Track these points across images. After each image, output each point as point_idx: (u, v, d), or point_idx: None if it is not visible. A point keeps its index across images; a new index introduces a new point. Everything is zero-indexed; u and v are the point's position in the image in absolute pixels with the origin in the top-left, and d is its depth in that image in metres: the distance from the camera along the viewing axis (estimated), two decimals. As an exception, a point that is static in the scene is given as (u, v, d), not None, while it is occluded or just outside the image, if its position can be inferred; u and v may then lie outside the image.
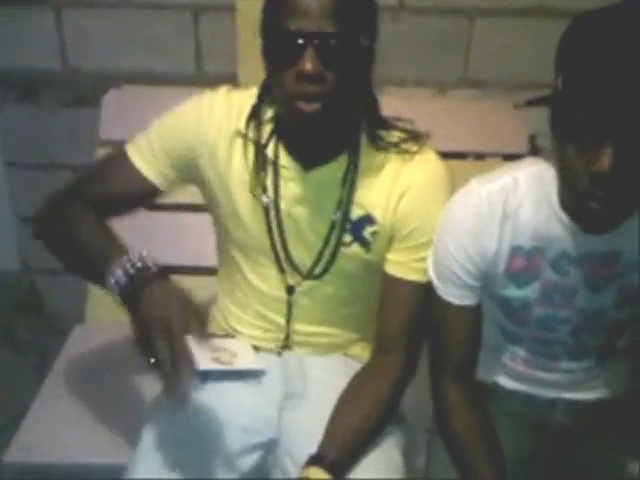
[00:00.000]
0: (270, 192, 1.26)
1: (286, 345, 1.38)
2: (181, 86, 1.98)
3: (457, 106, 1.91)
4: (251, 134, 1.24)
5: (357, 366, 1.34)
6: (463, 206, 1.18)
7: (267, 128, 1.25)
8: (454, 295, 1.19)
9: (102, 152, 1.84)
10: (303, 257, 1.29)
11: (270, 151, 1.25)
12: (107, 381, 1.61)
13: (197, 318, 1.06)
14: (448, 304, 1.20)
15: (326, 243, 1.27)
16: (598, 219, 1.05)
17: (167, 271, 1.15)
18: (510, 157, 1.83)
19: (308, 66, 1.07)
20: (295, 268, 1.30)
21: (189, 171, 1.29)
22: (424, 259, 1.23)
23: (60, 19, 1.99)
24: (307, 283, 1.31)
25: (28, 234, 2.21)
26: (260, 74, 1.87)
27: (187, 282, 1.78)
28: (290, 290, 1.32)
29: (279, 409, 1.30)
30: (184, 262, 1.82)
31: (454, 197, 1.20)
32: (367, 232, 1.26)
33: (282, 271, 1.31)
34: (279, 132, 1.25)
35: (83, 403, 1.55)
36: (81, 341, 1.77)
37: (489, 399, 1.27)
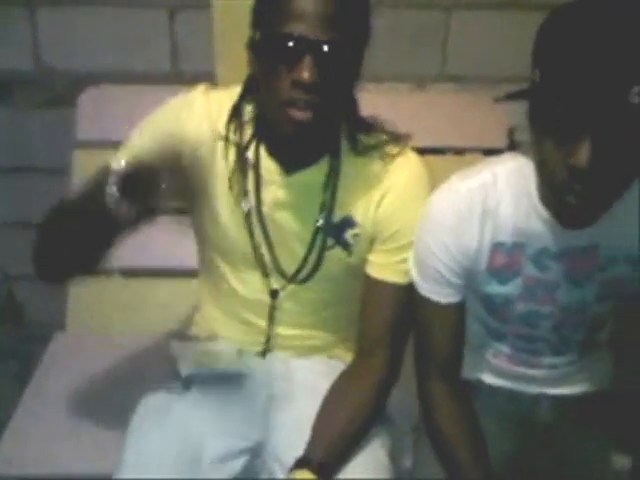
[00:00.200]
0: (252, 196, 1.24)
1: (268, 348, 1.36)
2: (157, 84, 1.96)
3: (436, 101, 1.91)
4: (232, 136, 1.22)
5: (341, 367, 1.34)
6: (443, 204, 1.17)
7: (248, 129, 1.23)
8: (437, 293, 1.19)
9: (79, 153, 1.82)
10: (287, 261, 1.28)
11: (251, 154, 1.23)
12: (89, 389, 1.60)
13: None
14: (431, 302, 1.19)
15: (310, 247, 1.26)
16: (576, 213, 1.05)
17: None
18: (490, 152, 1.83)
19: (306, 74, 1.05)
20: (279, 272, 1.29)
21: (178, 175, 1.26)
22: (405, 260, 1.22)
23: (34, 18, 1.96)
24: (291, 287, 1.30)
25: (5, 240, 2.21)
26: (238, 72, 1.85)
27: (169, 285, 1.81)
28: (274, 294, 1.31)
29: (264, 412, 1.30)
30: (165, 264, 1.81)
31: (434, 194, 1.19)
32: (348, 235, 1.25)
33: (266, 275, 1.29)
34: (260, 134, 1.23)
35: (66, 412, 1.53)
36: (62, 348, 1.75)
37: (473, 396, 1.27)
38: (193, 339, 1.39)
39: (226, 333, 1.38)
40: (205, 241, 1.34)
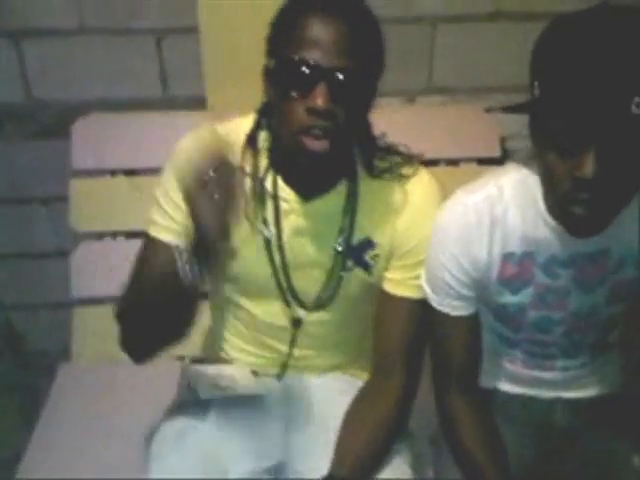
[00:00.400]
0: (272, 225, 1.24)
1: (284, 369, 1.38)
2: (149, 110, 1.97)
3: (427, 113, 1.93)
4: (247, 166, 1.22)
5: (357, 383, 1.36)
6: (450, 217, 1.19)
7: (263, 159, 1.23)
8: (449, 306, 1.21)
9: (75, 182, 1.82)
10: (307, 287, 1.29)
11: (269, 183, 1.23)
12: (101, 419, 1.60)
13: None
14: (445, 316, 1.21)
15: (331, 272, 1.27)
16: (584, 223, 1.06)
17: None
18: (484, 161, 1.86)
19: (320, 101, 1.06)
20: (299, 300, 1.29)
21: None
22: (420, 276, 1.24)
23: (21, 50, 1.95)
24: (312, 312, 1.31)
25: (2, 270, 2.20)
26: (229, 97, 1.89)
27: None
28: (296, 323, 1.32)
29: (284, 432, 1.31)
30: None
31: (441, 210, 1.21)
32: (368, 256, 1.26)
33: (287, 304, 1.30)
34: (276, 163, 1.23)
35: (79, 443, 1.53)
36: (69, 380, 1.75)
37: (490, 405, 1.29)
38: (208, 362, 1.40)
39: (242, 357, 1.39)
40: (221, 274, 1.33)
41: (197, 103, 1.96)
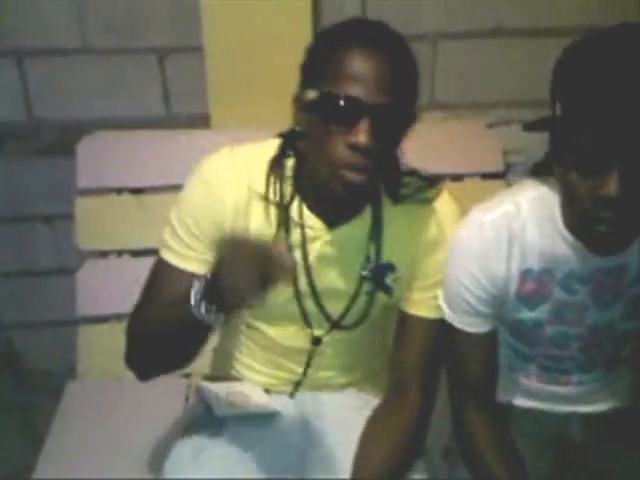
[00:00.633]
0: (297, 253, 1.23)
1: (297, 388, 1.38)
2: (152, 129, 1.97)
3: (430, 129, 1.94)
4: (272, 193, 1.20)
5: (370, 399, 1.37)
6: (467, 235, 1.19)
7: (288, 186, 1.21)
8: (468, 323, 1.21)
9: (80, 201, 1.82)
10: (330, 311, 1.29)
11: (294, 211, 1.22)
12: (109, 438, 1.59)
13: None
14: (464, 333, 1.22)
15: (354, 296, 1.27)
16: (606, 241, 1.07)
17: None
18: (487, 176, 1.88)
19: (363, 138, 1.05)
20: (322, 323, 1.29)
21: None
22: (438, 296, 1.25)
23: (23, 69, 1.96)
24: (333, 334, 1.31)
25: (2, 288, 2.19)
26: (232, 115, 1.90)
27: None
28: (316, 341, 1.32)
29: (300, 450, 1.30)
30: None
31: (458, 228, 1.21)
32: (390, 280, 1.26)
33: (309, 326, 1.30)
34: (301, 190, 1.22)
35: (88, 463, 1.52)
36: (76, 398, 1.74)
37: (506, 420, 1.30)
38: (220, 380, 1.40)
39: (255, 377, 1.39)
40: None
41: (199, 121, 1.97)
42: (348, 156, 1.07)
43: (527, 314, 1.22)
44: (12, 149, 2.05)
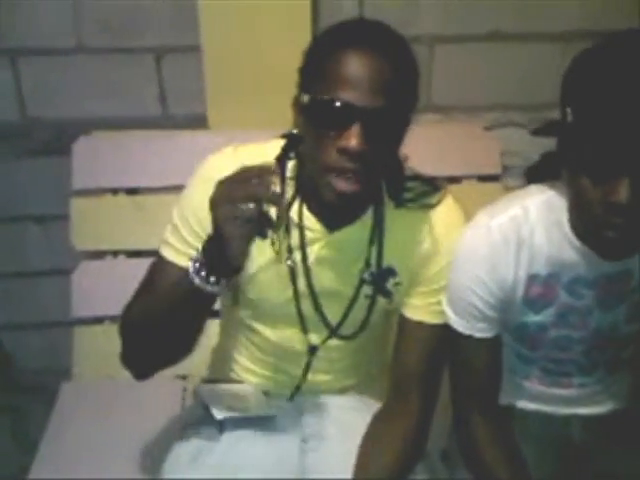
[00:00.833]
0: (297, 254, 1.23)
1: (297, 391, 1.38)
2: (147, 129, 1.96)
3: (427, 131, 1.94)
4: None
5: (370, 402, 1.37)
6: (475, 239, 1.19)
7: (289, 187, 1.17)
8: (474, 328, 1.21)
9: (76, 202, 1.81)
10: (329, 316, 1.28)
11: (294, 212, 1.21)
12: (105, 439, 1.58)
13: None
14: (469, 338, 1.21)
15: (353, 301, 1.26)
16: (615, 247, 1.07)
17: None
18: (485, 178, 1.88)
19: (354, 142, 1.03)
20: (320, 328, 1.29)
21: None
22: (441, 302, 1.24)
23: (17, 68, 1.94)
24: (332, 341, 1.30)
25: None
26: (230, 116, 1.90)
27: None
28: (312, 350, 1.31)
29: (300, 452, 1.30)
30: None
31: (464, 233, 1.21)
32: (390, 284, 1.26)
33: (305, 331, 1.29)
34: (302, 192, 1.21)
35: (84, 464, 1.51)
36: (72, 400, 1.72)
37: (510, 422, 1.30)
38: (218, 383, 1.39)
39: (254, 379, 1.38)
40: (238, 300, 1.32)
41: (196, 122, 1.96)
42: (339, 161, 1.06)
43: (532, 318, 1.22)
44: (5, 149, 2.03)
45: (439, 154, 1.85)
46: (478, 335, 1.21)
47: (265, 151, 1.19)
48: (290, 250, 1.22)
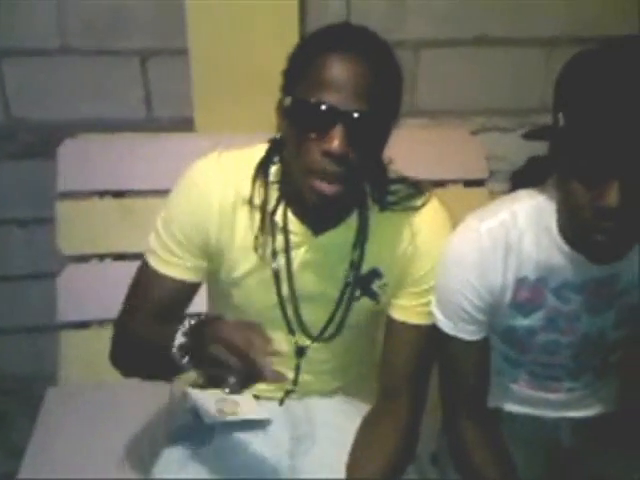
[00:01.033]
0: (281, 258, 1.23)
1: (286, 394, 1.37)
2: (132, 132, 1.95)
3: (412, 135, 1.94)
4: (257, 198, 1.20)
5: (360, 404, 1.37)
6: (464, 243, 1.19)
7: (273, 191, 1.21)
8: (463, 331, 1.21)
9: (61, 205, 1.79)
10: (313, 318, 1.28)
11: (279, 217, 1.22)
12: (91, 444, 1.57)
13: (258, 334, 1.04)
14: (457, 340, 1.22)
15: (338, 304, 1.27)
16: (604, 250, 1.08)
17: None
18: (471, 183, 1.89)
19: (336, 145, 1.04)
20: (305, 333, 1.29)
21: (212, 252, 1.24)
22: (429, 303, 1.24)
23: (0, 69, 1.92)
24: (316, 345, 1.31)
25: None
26: (217, 119, 1.89)
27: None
28: (300, 352, 1.31)
29: (290, 455, 1.30)
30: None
31: (452, 236, 1.22)
32: (376, 286, 1.26)
33: (292, 333, 1.29)
34: (287, 196, 1.21)
35: (72, 472, 1.48)
36: (58, 405, 1.71)
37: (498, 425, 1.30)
38: (208, 387, 1.38)
39: None
40: (225, 304, 1.32)
41: (181, 124, 1.95)
42: (321, 163, 1.06)
43: (520, 321, 1.22)
44: (-10, 151, 2.01)
45: (425, 158, 1.86)
46: (466, 337, 1.22)
47: (250, 156, 1.22)
48: (275, 254, 1.22)
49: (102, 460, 1.51)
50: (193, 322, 1.10)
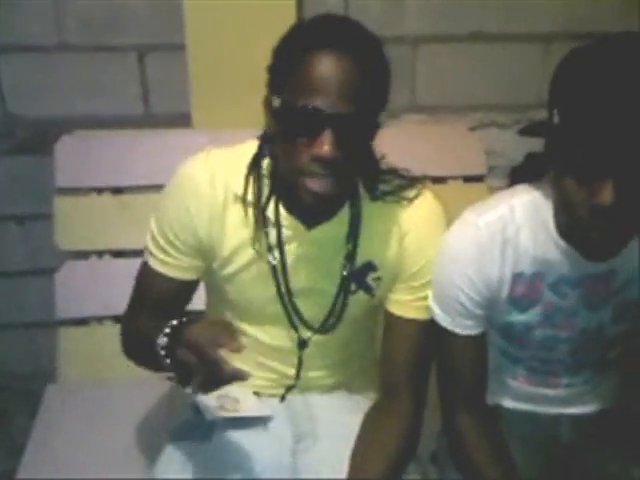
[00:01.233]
0: (276, 253, 1.23)
1: (288, 390, 1.38)
2: (130, 128, 1.95)
3: (411, 131, 1.95)
4: (250, 194, 1.20)
5: (361, 400, 1.37)
6: (462, 237, 1.20)
7: (265, 187, 1.21)
8: (460, 326, 1.22)
9: (59, 201, 1.79)
10: (311, 312, 1.29)
11: (271, 212, 1.22)
12: (91, 441, 1.56)
13: (227, 333, 1.04)
14: (455, 335, 1.22)
15: (336, 297, 1.27)
16: (599, 247, 1.09)
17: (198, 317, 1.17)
18: (470, 179, 1.89)
19: (326, 149, 1.04)
20: (305, 324, 1.29)
21: (205, 250, 1.25)
22: (426, 297, 1.25)
23: (-4, 65, 1.92)
24: (314, 338, 1.31)
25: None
26: (214, 113, 1.89)
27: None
28: (302, 345, 1.31)
29: (292, 453, 1.29)
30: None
31: (450, 230, 1.22)
32: (370, 279, 1.26)
33: (295, 328, 1.30)
34: (278, 191, 1.21)
35: (72, 470, 1.48)
36: (57, 402, 1.70)
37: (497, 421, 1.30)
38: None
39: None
40: (221, 301, 1.33)
41: (178, 121, 1.95)
42: (311, 165, 1.07)
43: (518, 317, 1.22)
44: (-14, 147, 2.01)
45: (424, 154, 1.86)
46: (464, 332, 1.22)
47: (240, 152, 1.22)
48: (270, 249, 1.23)
49: (102, 458, 1.51)
50: (174, 322, 1.11)
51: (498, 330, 1.27)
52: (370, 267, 1.26)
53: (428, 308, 1.25)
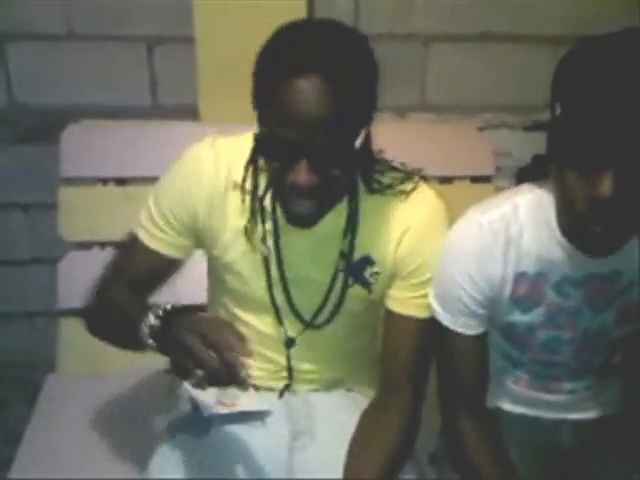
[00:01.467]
0: (270, 243, 1.24)
1: (288, 383, 1.37)
2: (137, 119, 1.94)
3: (420, 130, 1.94)
4: (248, 183, 1.21)
5: (360, 399, 1.36)
6: (465, 235, 1.18)
7: (263, 178, 1.21)
8: (462, 325, 1.20)
9: (64, 190, 1.78)
10: (303, 305, 1.28)
11: (268, 203, 1.22)
12: (91, 435, 1.56)
13: (236, 334, 1.04)
14: (457, 335, 1.21)
15: (329, 292, 1.26)
16: (600, 242, 1.07)
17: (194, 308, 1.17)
18: (478, 179, 1.88)
19: (303, 179, 1.05)
20: (297, 318, 1.29)
21: (198, 234, 1.26)
22: (426, 295, 1.23)
23: (4, 53, 1.92)
24: (308, 332, 1.30)
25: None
26: (221, 107, 1.88)
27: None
28: (289, 342, 1.31)
29: (289, 450, 1.29)
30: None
31: (454, 228, 1.21)
32: (367, 273, 1.25)
33: (280, 323, 1.30)
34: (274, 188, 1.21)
35: (69, 462, 1.48)
36: (56, 392, 1.70)
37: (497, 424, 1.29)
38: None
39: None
40: (220, 288, 1.34)
41: (186, 113, 1.94)
42: (292, 190, 1.08)
43: (520, 317, 1.21)
44: (-6, 135, 2.00)
45: (432, 154, 1.84)
46: (465, 331, 1.21)
47: (245, 142, 1.21)
48: (264, 239, 1.23)
49: (100, 449, 1.51)
50: (169, 307, 1.12)
51: (500, 331, 1.26)
52: (368, 261, 1.25)
53: (428, 306, 1.24)
